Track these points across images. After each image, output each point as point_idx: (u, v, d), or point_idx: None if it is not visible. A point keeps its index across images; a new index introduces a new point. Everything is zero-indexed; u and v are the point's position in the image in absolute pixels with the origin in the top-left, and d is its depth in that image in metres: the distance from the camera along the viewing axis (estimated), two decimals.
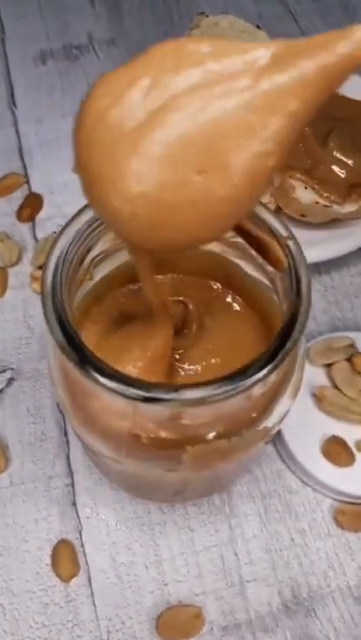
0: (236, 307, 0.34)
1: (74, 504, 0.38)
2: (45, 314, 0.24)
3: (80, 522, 0.37)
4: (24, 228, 0.48)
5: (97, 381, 0.23)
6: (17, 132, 0.54)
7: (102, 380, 0.23)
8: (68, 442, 0.40)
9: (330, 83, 0.18)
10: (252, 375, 0.23)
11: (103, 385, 0.23)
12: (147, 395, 0.22)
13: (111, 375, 0.23)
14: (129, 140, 0.19)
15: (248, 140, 0.19)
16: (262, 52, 0.19)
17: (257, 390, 0.24)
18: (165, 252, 0.29)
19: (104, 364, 0.23)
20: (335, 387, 0.39)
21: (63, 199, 0.50)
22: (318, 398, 0.39)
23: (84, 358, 0.23)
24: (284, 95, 0.19)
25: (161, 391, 0.23)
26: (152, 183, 0.19)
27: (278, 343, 0.23)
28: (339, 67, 0.18)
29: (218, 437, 0.26)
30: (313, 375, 0.40)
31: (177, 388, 0.23)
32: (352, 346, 0.41)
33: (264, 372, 0.23)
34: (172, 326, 0.31)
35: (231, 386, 0.23)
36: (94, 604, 0.35)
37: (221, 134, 0.19)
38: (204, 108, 0.19)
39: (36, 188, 0.50)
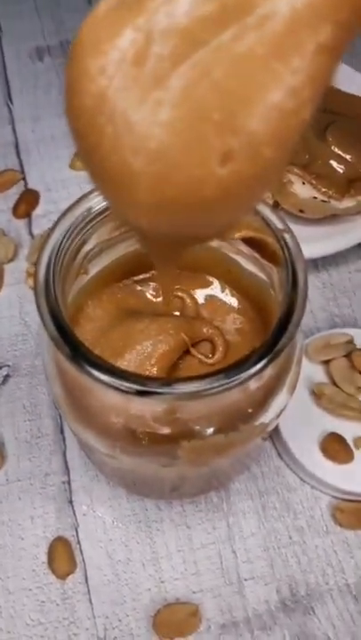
0: (234, 302, 0.34)
1: (70, 501, 0.37)
2: (38, 307, 0.24)
3: (76, 519, 0.37)
4: (20, 225, 0.48)
5: (91, 375, 0.23)
6: (13, 128, 0.53)
7: (96, 373, 0.23)
8: (64, 439, 0.39)
9: None
10: (247, 369, 0.22)
11: (97, 379, 0.23)
12: (141, 388, 0.22)
13: (105, 369, 0.23)
14: (135, 132, 0.15)
15: (274, 96, 0.15)
16: None
17: (253, 384, 0.24)
18: (189, 245, 0.26)
19: (98, 357, 0.23)
20: (334, 383, 0.39)
21: (59, 196, 0.49)
22: (317, 395, 0.39)
23: (77, 352, 0.23)
24: (310, 23, 0.14)
25: (155, 385, 0.22)
26: (170, 186, 0.16)
27: (274, 337, 0.23)
28: None
29: (214, 432, 0.26)
30: (311, 372, 0.40)
31: (171, 382, 0.22)
32: (351, 342, 0.40)
33: (259, 365, 0.23)
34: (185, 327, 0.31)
35: (226, 380, 0.22)
36: (91, 602, 0.35)
37: (241, 96, 0.15)
38: (214, 66, 0.15)
39: (32, 185, 0.50)
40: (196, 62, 0.15)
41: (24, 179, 0.50)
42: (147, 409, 0.25)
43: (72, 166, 0.51)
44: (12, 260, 0.46)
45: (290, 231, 0.25)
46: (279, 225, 0.25)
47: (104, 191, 0.18)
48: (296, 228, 0.44)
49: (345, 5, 0.14)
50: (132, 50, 0.15)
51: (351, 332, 0.41)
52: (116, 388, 0.23)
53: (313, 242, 0.44)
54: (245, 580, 0.36)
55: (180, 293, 0.34)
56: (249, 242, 0.29)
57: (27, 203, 0.49)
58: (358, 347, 0.40)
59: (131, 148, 0.16)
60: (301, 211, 0.43)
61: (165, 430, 0.25)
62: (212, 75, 0.15)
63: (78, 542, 0.36)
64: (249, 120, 0.15)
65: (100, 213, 0.27)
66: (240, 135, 0.15)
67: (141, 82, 0.15)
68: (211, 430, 0.26)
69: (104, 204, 0.27)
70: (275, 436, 0.39)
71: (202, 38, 0.15)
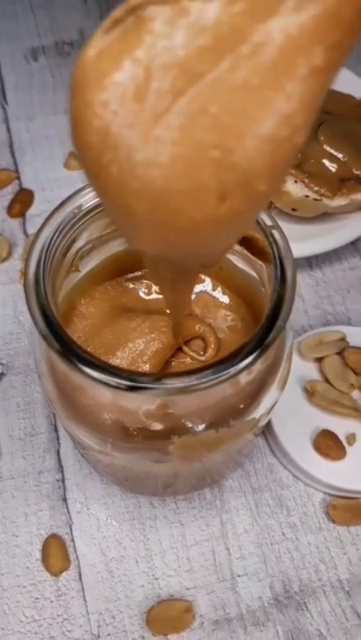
0: (226, 299, 0.34)
1: (64, 499, 0.38)
2: (28, 304, 0.24)
3: (70, 516, 0.37)
4: (14, 224, 0.48)
5: (81, 371, 0.23)
6: (8, 128, 0.54)
7: (86, 370, 0.23)
8: (58, 437, 0.39)
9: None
10: (236, 364, 0.23)
11: (87, 375, 0.23)
12: (130, 384, 0.22)
13: (95, 365, 0.23)
14: (138, 175, 0.16)
15: (268, 128, 0.15)
16: None
17: (242, 379, 0.24)
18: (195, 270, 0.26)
19: (88, 354, 0.23)
20: (326, 381, 0.39)
21: (54, 195, 0.50)
22: (310, 392, 0.39)
23: (67, 349, 0.23)
24: (304, 47, 0.14)
25: (145, 380, 0.22)
26: (172, 230, 0.17)
27: (262, 332, 0.23)
28: None
29: (205, 428, 0.26)
30: (304, 369, 0.40)
31: (161, 378, 0.22)
32: (343, 340, 0.41)
33: (248, 360, 0.23)
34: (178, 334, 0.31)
35: (215, 375, 0.22)
36: (85, 599, 0.35)
37: (237, 132, 0.15)
38: (210, 100, 0.15)
39: (26, 184, 0.50)
40: (194, 97, 0.15)
41: (18, 178, 0.51)
42: (137, 405, 0.25)
43: (66, 166, 0.51)
44: (6, 259, 0.46)
45: (278, 228, 0.25)
46: (268, 221, 0.26)
47: (112, 219, 0.19)
48: (289, 227, 0.45)
49: (337, 27, 0.14)
50: (133, 85, 0.15)
51: (344, 329, 0.41)
52: (106, 384, 0.23)
53: (306, 240, 0.44)
54: (239, 576, 0.36)
55: None
56: (240, 240, 0.29)
57: (21, 202, 0.49)
58: (351, 344, 0.40)
59: (134, 193, 0.16)
60: (294, 209, 0.43)
61: (156, 426, 0.26)
62: (210, 110, 0.15)
63: (72, 540, 0.36)
64: (245, 157, 0.15)
65: (91, 211, 0.27)
66: (236, 173, 0.15)
67: (143, 118, 0.15)
68: (201, 426, 0.26)
69: (94, 201, 0.27)
70: (268, 433, 0.39)
71: (199, 70, 0.15)
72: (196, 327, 0.33)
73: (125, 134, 0.16)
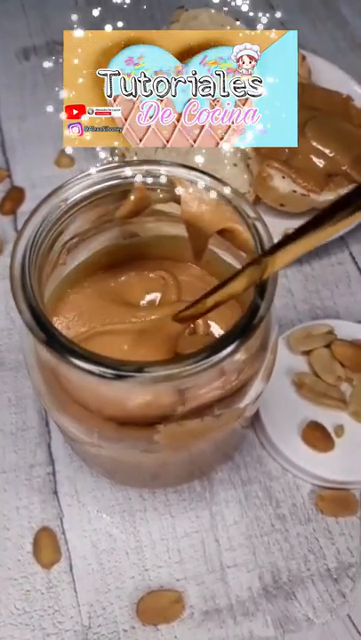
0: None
1: (55, 492, 0.38)
2: (14, 295, 0.24)
3: (61, 509, 0.37)
4: (6, 221, 0.49)
5: (67, 361, 0.23)
6: (0, 127, 0.54)
7: (72, 359, 0.23)
8: (49, 431, 0.40)
9: None
10: (218, 352, 0.23)
11: (73, 364, 0.23)
12: (115, 372, 0.23)
13: (80, 354, 0.23)
14: None
15: None
16: None
17: (226, 367, 0.25)
18: None
19: (73, 343, 0.24)
20: (314, 373, 0.40)
21: (45, 192, 0.49)
22: (298, 385, 0.39)
23: (53, 338, 0.24)
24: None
25: (129, 369, 0.23)
26: None
27: (246, 320, 0.24)
28: None
29: (190, 417, 0.26)
30: (293, 362, 0.40)
31: (145, 366, 0.23)
32: (331, 333, 0.41)
33: (230, 348, 0.23)
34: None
35: (199, 362, 0.23)
36: (75, 590, 0.35)
37: None
38: None
39: (18, 182, 0.51)
40: None
41: (10, 176, 0.51)
42: (122, 394, 0.25)
43: (57, 164, 0.52)
44: None
45: (261, 219, 0.26)
46: (250, 213, 0.26)
47: None
48: (278, 223, 0.45)
49: None
50: None
51: (332, 322, 0.41)
52: (92, 373, 0.23)
53: None
54: (228, 567, 0.36)
55: (163, 274, 0.34)
56: (223, 233, 0.29)
57: (12, 200, 0.49)
58: (339, 337, 0.41)
59: None
60: (282, 205, 0.44)
61: (142, 415, 0.26)
62: None
63: (63, 532, 0.37)
64: None
65: (76, 204, 0.27)
66: None
67: None
68: (187, 414, 0.27)
69: (80, 194, 0.27)
70: (257, 425, 0.39)
71: None
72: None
73: None
